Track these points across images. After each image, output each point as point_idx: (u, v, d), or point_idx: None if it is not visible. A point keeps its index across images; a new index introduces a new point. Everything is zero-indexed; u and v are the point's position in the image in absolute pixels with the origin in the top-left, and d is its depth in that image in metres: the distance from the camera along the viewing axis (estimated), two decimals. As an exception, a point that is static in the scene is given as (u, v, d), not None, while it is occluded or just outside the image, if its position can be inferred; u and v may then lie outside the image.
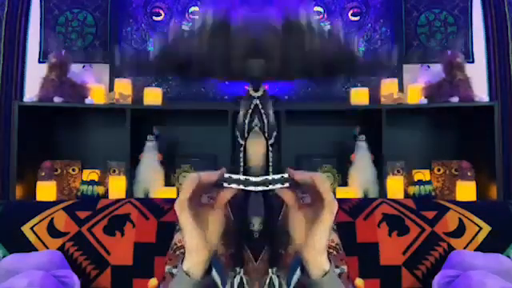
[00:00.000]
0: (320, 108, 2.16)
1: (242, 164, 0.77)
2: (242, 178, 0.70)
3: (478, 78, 2.15)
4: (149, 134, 2.08)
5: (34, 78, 2.12)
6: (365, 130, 2.09)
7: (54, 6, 2.28)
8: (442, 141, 2.24)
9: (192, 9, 2.29)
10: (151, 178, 2.04)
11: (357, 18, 2.30)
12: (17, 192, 1.96)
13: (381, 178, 2.04)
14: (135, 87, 2.16)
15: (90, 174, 2.08)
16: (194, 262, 0.71)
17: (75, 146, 2.22)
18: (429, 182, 2.07)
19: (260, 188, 0.70)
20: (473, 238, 1.50)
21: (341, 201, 1.69)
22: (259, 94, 0.79)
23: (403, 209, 1.57)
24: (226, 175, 0.70)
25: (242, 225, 0.80)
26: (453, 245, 1.49)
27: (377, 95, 2.13)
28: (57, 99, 2.02)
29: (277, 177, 0.70)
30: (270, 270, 0.75)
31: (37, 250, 1.49)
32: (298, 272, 0.75)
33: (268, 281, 0.74)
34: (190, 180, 0.70)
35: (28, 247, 1.48)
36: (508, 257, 1.45)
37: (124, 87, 2.12)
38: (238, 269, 0.77)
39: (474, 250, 1.48)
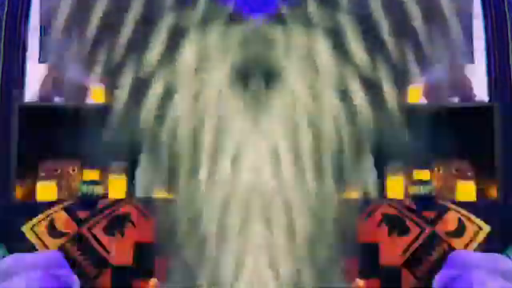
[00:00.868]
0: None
1: None
2: None
3: (478, 78, 2.15)
4: (149, 134, 2.08)
5: (34, 78, 2.11)
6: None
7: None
8: (442, 141, 2.24)
9: (192, 9, 2.28)
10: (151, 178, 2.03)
11: (357, 18, 2.30)
12: (17, 192, 1.95)
13: (381, 178, 2.03)
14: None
15: (90, 174, 2.08)
16: None
17: (75, 146, 2.22)
18: (429, 182, 2.07)
19: None
20: (473, 238, 1.50)
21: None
22: None
23: (403, 209, 1.58)
24: None
25: None
26: (453, 245, 1.49)
27: (377, 95, 2.13)
28: (57, 99, 2.01)
29: None
30: None
31: (37, 250, 1.49)
32: None
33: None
34: None
35: (28, 247, 1.48)
36: (508, 257, 1.45)
37: (124, 87, 2.12)
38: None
39: (474, 250, 1.48)
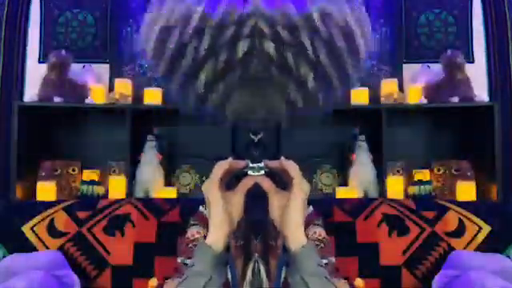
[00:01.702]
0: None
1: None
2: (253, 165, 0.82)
3: (477, 78, 2.15)
4: (149, 133, 2.08)
5: (34, 77, 2.12)
6: (365, 130, 2.09)
7: (54, 5, 2.28)
8: (442, 141, 2.24)
9: (192, 9, 2.29)
10: (151, 178, 2.04)
11: (357, 18, 2.30)
12: (17, 192, 1.96)
13: (381, 178, 2.04)
14: (135, 87, 2.16)
15: (90, 174, 2.08)
16: (218, 235, 0.79)
17: (75, 146, 2.22)
18: (429, 182, 2.07)
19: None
20: (473, 238, 1.50)
21: (341, 201, 1.70)
22: None
23: (403, 209, 1.58)
24: (251, 164, 0.81)
25: (253, 215, 0.86)
26: (453, 245, 1.49)
27: (377, 95, 2.13)
28: (57, 99, 2.02)
29: (254, 165, 0.82)
30: (255, 255, 0.82)
31: (37, 250, 1.49)
32: (284, 269, 0.82)
33: (253, 265, 0.82)
34: (220, 164, 0.82)
35: (28, 247, 1.48)
36: (508, 257, 1.45)
37: (124, 87, 2.12)
38: (256, 254, 0.85)
39: (474, 250, 1.48)
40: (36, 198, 1.98)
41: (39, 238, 1.51)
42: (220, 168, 0.81)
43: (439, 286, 1.36)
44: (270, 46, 0.72)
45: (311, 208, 1.04)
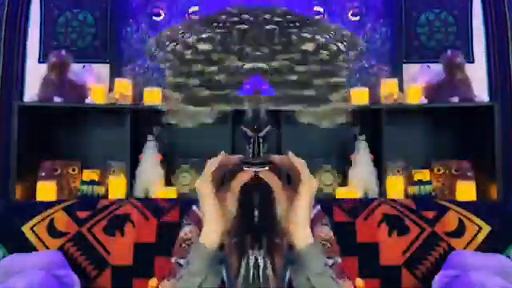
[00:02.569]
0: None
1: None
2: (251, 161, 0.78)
3: (478, 77, 2.15)
4: (149, 134, 2.08)
5: (34, 78, 2.12)
6: (365, 130, 2.09)
7: (54, 5, 2.28)
8: (442, 141, 2.24)
9: (192, 9, 2.29)
10: (151, 178, 2.04)
11: (357, 18, 2.30)
12: (17, 192, 1.96)
13: (381, 178, 2.03)
14: (135, 87, 2.16)
15: (90, 174, 2.08)
16: (212, 233, 0.77)
17: (75, 146, 2.22)
18: (429, 182, 2.07)
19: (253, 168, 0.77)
20: (473, 238, 1.50)
21: (341, 201, 1.70)
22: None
23: (403, 209, 1.58)
24: (252, 160, 0.77)
25: (247, 211, 0.83)
26: (453, 245, 1.49)
27: (377, 95, 2.13)
28: (57, 99, 2.01)
29: (257, 161, 0.77)
30: (249, 252, 0.79)
31: (37, 250, 1.49)
32: (288, 273, 0.79)
33: (254, 260, 0.79)
34: (211, 161, 0.80)
35: (28, 247, 1.48)
36: (508, 257, 1.45)
37: (124, 87, 2.12)
38: (250, 251, 0.81)
39: (474, 250, 1.48)
40: (36, 198, 1.98)
41: (39, 238, 1.51)
42: (211, 165, 0.80)
43: (439, 286, 1.36)
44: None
45: (318, 207, 1.03)
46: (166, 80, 0.78)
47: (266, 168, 0.78)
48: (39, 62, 2.25)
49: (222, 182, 0.82)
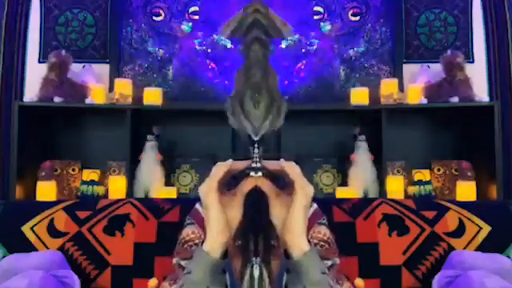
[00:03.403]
0: (320, 108, 2.16)
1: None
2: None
3: (478, 77, 2.15)
4: (149, 134, 2.08)
5: (34, 78, 2.12)
6: (365, 130, 2.09)
7: (53, 6, 2.28)
8: (442, 141, 2.24)
9: (192, 9, 2.29)
10: (151, 178, 2.04)
11: (357, 18, 2.30)
12: (17, 192, 1.96)
13: (381, 178, 2.04)
14: (135, 87, 2.16)
15: (90, 174, 2.08)
16: (217, 242, 0.75)
17: (75, 146, 2.22)
18: (429, 182, 2.07)
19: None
20: (473, 238, 1.50)
21: (341, 201, 1.70)
22: None
23: (403, 209, 1.57)
24: (253, 165, 0.75)
25: (252, 216, 0.81)
26: (453, 245, 1.49)
27: (377, 95, 2.13)
28: (57, 99, 2.02)
29: (255, 166, 0.75)
30: (253, 260, 0.76)
31: (37, 250, 1.49)
32: (285, 277, 0.77)
33: (249, 271, 0.75)
34: (220, 165, 0.75)
35: (28, 247, 1.48)
36: (508, 257, 1.45)
37: (124, 87, 2.12)
38: (254, 259, 0.77)
39: (474, 250, 1.48)
40: (36, 198, 1.98)
41: (39, 238, 1.50)
42: (220, 170, 0.75)
43: (439, 285, 1.36)
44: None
45: (315, 205, 1.02)
46: None
47: (260, 174, 0.75)
48: (39, 62, 2.25)
49: (227, 187, 0.80)
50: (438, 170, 2.12)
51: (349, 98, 2.14)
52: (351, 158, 2.06)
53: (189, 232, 1.01)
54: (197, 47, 2.27)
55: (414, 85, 2.18)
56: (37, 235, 1.51)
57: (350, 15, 2.30)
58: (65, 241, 1.50)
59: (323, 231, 0.99)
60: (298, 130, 2.11)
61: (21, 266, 1.37)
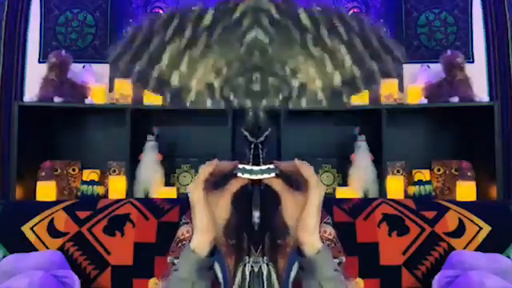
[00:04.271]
0: (320, 108, 2.16)
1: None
2: (249, 167, 0.76)
3: (478, 77, 2.15)
4: (149, 134, 2.08)
5: (34, 78, 2.12)
6: (365, 130, 2.09)
7: (53, 6, 2.28)
8: (442, 141, 2.24)
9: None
10: (151, 178, 2.04)
11: (357, 18, 2.30)
12: (17, 192, 1.96)
13: (381, 178, 2.04)
14: (135, 87, 2.15)
15: (90, 174, 2.08)
16: (202, 240, 0.77)
17: (75, 146, 2.22)
18: (429, 182, 2.07)
19: (254, 176, 0.76)
20: (473, 238, 1.50)
21: (341, 201, 1.70)
22: None
23: (403, 209, 1.57)
24: (240, 166, 0.76)
25: (245, 216, 0.82)
26: (453, 245, 1.49)
27: (377, 95, 2.13)
28: (57, 99, 2.02)
29: (264, 167, 0.76)
30: (260, 259, 0.78)
31: (37, 250, 1.49)
32: (295, 267, 0.80)
33: (257, 269, 0.77)
34: (207, 165, 0.77)
35: (28, 247, 1.48)
36: (508, 257, 1.45)
37: (124, 87, 2.12)
38: (246, 258, 0.79)
39: (474, 250, 1.48)
40: (36, 198, 1.98)
41: (39, 238, 1.50)
42: (205, 170, 0.77)
43: (439, 285, 1.36)
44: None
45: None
46: None
47: (273, 175, 0.76)
48: (39, 62, 2.25)
49: (215, 186, 0.81)
50: (438, 170, 2.12)
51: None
52: (351, 158, 2.06)
53: (184, 231, 1.02)
54: (197, 47, 2.27)
55: (414, 85, 2.18)
56: (37, 235, 1.51)
57: (349, 15, 2.30)
58: (65, 241, 1.50)
59: (329, 230, 1.00)
60: (298, 129, 2.11)
61: (21, 266, 1.37)
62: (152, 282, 1.45)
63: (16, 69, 2.22)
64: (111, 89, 2.19)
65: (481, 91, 2.16)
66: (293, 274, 0.81)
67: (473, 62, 2.26)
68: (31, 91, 2.12)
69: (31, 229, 1.52)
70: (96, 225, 1.53)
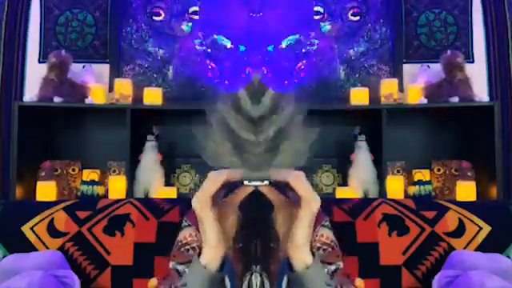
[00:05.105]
0: (320, 108, 2.16)
1: None
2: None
3: (478, 77, 2.15)
4: (149, 134, 2.08)
5: (34, 78, 2.12)
6: (365, 130, 2.09)
7: (53, 6, 2.28)
8: (442, 141, 2.24)
9: (192, 9, 2.29)
10: (151, 178, 2.04)
11: (357, 18, 2.30)
12: (17, 192, 1.96)
13: (381, 178, 2.04)
14: (135, 87, 2.16)
15: (90, 174, 2.08)
16: (214, 256, 0.75)
17: (75, 146, 2.22)
18: (429, 182, 2.07)
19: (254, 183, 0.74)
20: (473, 238, 1.50)
21: (341, 201, 1.70)
22: None
23: (403, 209, 1.57)
24: (253, 174, 0.74)
25: (249, 222, 0.80)
26: (453, 245, 1.49)
27: (377, 95, 2.13)
28: (57, 99, 2.02)
29: (256, 175, 0.74)
30: (252, 267, 0.74)
31: (37, 250, 1.49)
32: (286, 278, 0.77)
33: (248, 279, 0.74)
34: (215, 176, 0.73)
35: (28, 247, 1.48)
36: (508, 257, 1.45)
37: (124, 87, 2.12)
38: (254, 267, 0.76)
39: (474, 250, 1.48)
40: (36, 198, 1.98)
41: (39, 238, 1.50)
42: (215, 182, 0.73)
43: (439, 285, 1.36)
44: None
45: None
46: None
47: (266, 183, 0.74)
48: (39, 62, 2.25)
49: (222, 197, 0.79)
50: (438, 170, 2.12)
51: (349, 97, 2.14)
52: (351, 158, 2.06)
53: (186, 235, 1.00)
54: (197, 47, 2.27)
55: (414, 85, 2.18)
56: (37, 235, 1.51)
57: (349, 15, 2.30)
58: (65, 241, 1.50)
59: (326, 234, 0.99)
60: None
61: (21, 266, 1.37)
62: (152, 282, 1.45)
63: (16, 69, 2.22)
64: (111, 89, 2.19)
65: (481, 91, 2.16)
66: (284, 284, 0.78)
67: (473, 62, 2.26)
68: (31, 91, 2.12)
69: (31, 229, 1.52)
70: (96, 225, 1.53)
